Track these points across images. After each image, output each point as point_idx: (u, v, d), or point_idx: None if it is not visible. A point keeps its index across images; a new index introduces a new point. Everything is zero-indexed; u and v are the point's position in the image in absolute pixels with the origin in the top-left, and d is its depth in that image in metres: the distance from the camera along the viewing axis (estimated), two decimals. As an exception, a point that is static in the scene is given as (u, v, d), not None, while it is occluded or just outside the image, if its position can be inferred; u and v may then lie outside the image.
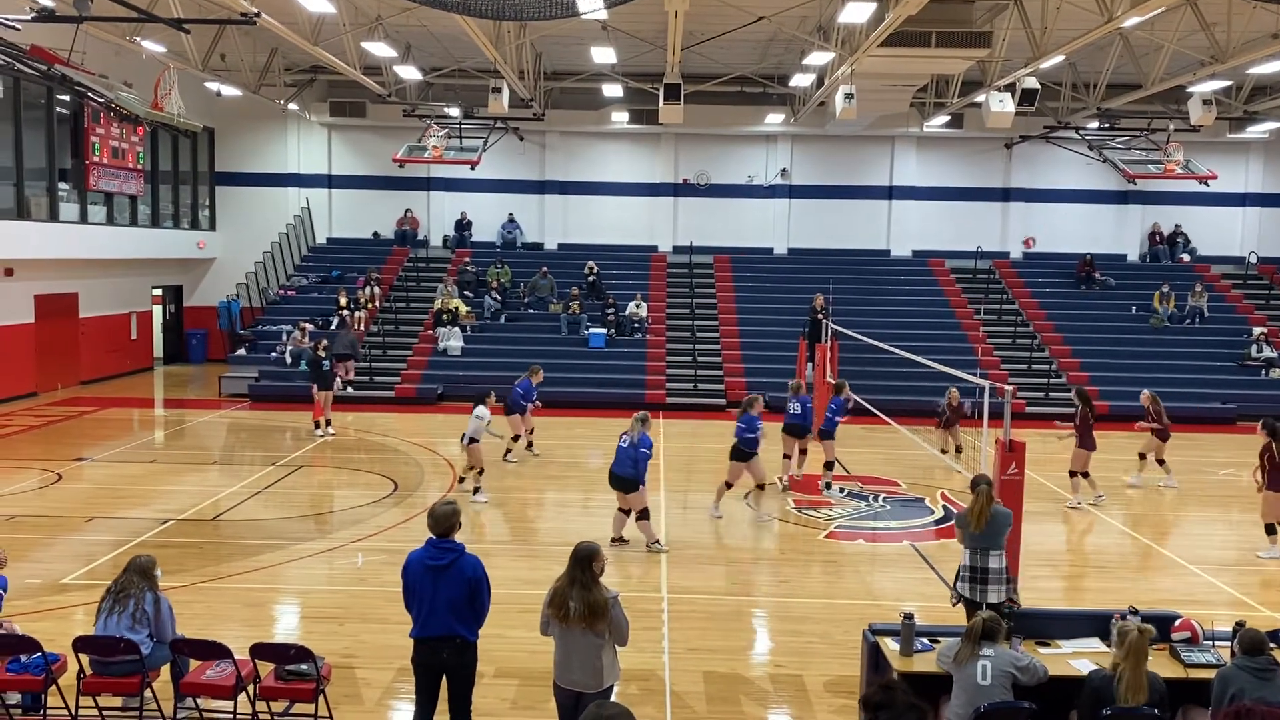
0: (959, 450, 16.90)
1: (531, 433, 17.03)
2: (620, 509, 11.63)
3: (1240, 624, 6.54)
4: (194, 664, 7.07)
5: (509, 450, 16.37)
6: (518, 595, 9.45)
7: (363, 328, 24.73)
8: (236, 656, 6.90)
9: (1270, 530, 11.95)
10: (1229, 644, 6.47)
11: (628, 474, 11.22)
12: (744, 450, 12.95)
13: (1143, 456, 15.80)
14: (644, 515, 11.48)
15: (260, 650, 6.90)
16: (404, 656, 6.53)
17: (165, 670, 7.09)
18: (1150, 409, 15.33)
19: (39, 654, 6.93)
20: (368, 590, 10.20)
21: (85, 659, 6.94)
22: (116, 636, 6.81)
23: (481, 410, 13.55)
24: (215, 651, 6.92)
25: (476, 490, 13.69)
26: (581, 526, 12.26)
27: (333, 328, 24.10)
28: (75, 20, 14.96)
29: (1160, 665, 6.40)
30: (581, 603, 5.94)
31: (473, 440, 13.52)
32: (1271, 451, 11.73)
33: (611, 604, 6.00)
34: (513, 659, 8.27)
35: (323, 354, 18.69)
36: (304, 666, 6.86)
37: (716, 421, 20.39)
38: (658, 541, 11.58)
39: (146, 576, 7.10)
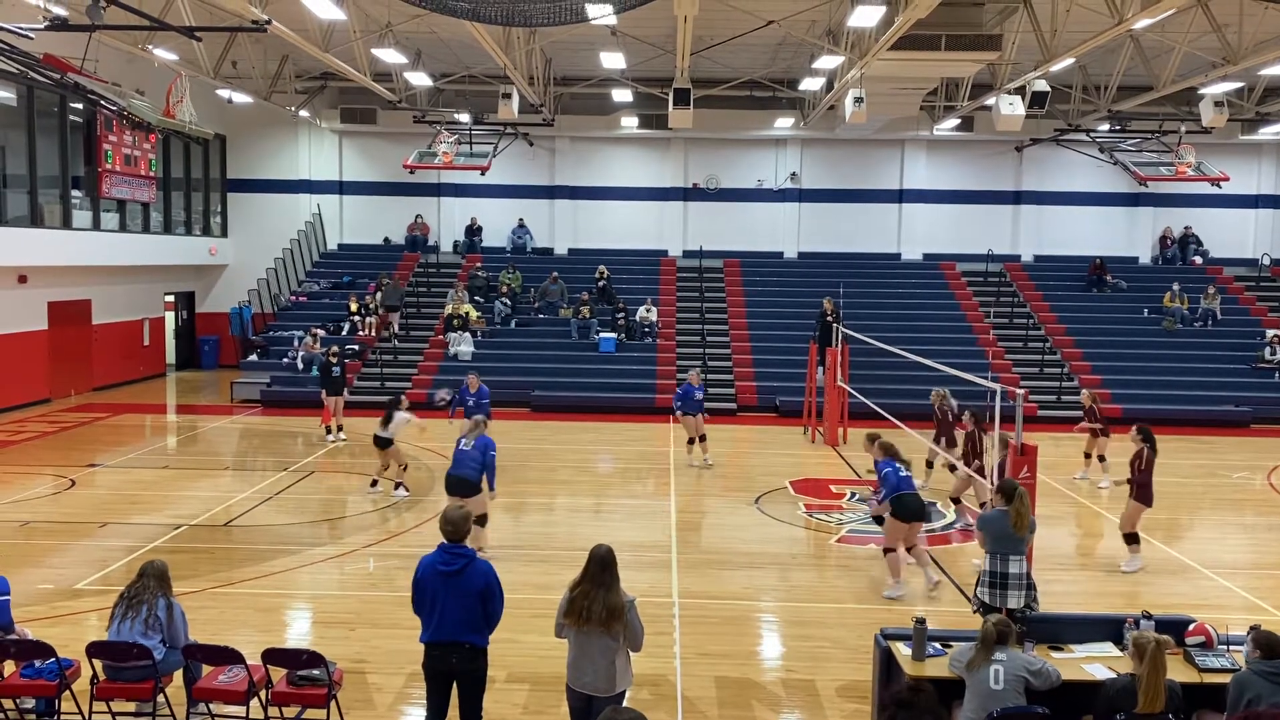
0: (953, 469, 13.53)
1: None
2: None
3: (1255, 628, 6.50)
4: (206, 669, 7.08)
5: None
6: (530, 600, 9.45)
7: (374, 334, 24.84)
8: (249, 662, 6.90)
9: (1132, 539, 11.34)
10: (1243, 648, 6.43)
11: (469, 476, 10.84)
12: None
13: (1088, 456, 15.88)
14: (481, 521, 10.90)
15: (272, 655, 6.91)
16: (415, 661, 6.54)
17: (178, 676, 7.11)
18: (1092, 408, 15.64)
19: (53, 659, 6.96)
20: (379, 595, 10.22)
21: (99, 664, 6.96)
22: (129, 642, 6.83)
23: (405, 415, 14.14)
24: (227, 657, 6.93)
25: (393, 486, 14.26)
26: (593, 531, 12.26)
27: (383, 281, 25.73)
28: (88, 29, 15.05)
29: (1175, 670, 6.36)
30: (602, 604, 5.94)
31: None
32: (1143, 459, 11.18)
33: (629, 607, 6.01)
34: (524, 664, 8.27)
35: (334, 360, 18.76)
36: (316, 672, 6.87)
37: (725, 426, 20.34)
38: (480, 550, 11.28)
39: (160, 582, 7.12)
